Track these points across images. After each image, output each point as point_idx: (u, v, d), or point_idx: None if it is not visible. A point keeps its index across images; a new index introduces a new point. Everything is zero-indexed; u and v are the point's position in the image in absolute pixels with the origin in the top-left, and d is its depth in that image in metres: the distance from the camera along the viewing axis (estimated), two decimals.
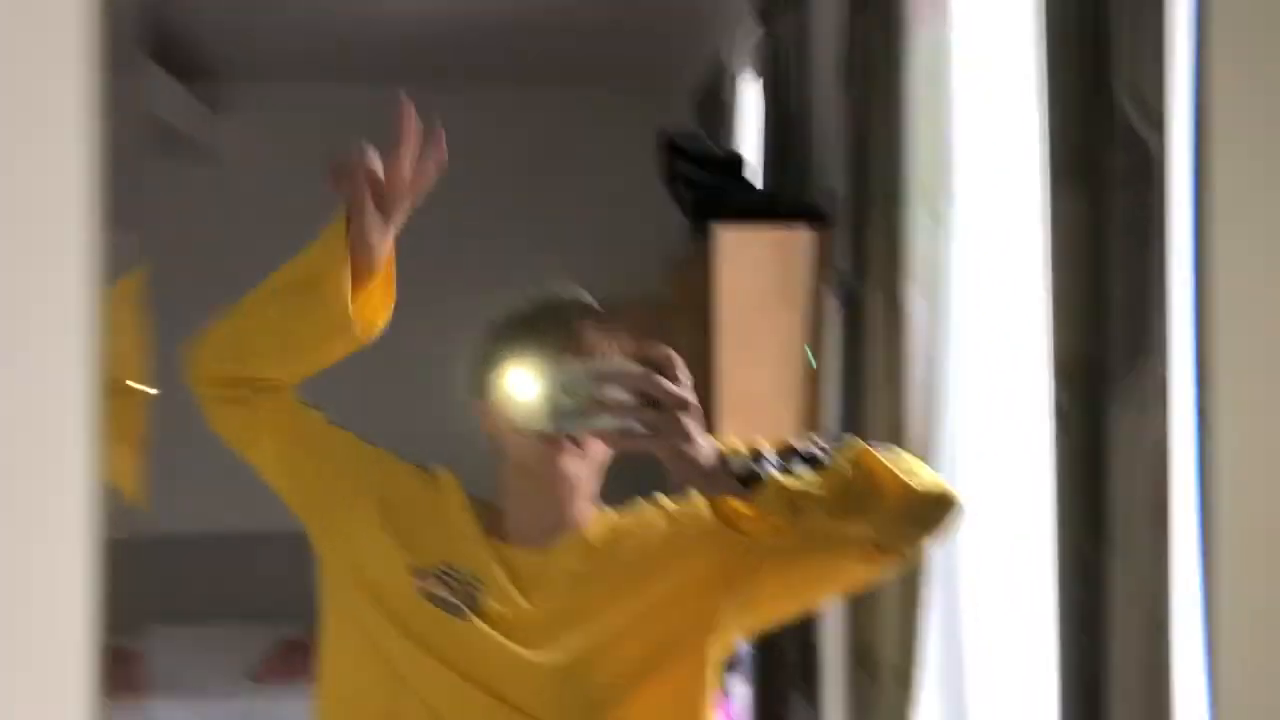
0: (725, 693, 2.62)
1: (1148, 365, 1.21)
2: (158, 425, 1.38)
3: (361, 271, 1.21)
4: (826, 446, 1.20)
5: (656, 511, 1.37)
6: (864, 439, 1.98)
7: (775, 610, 1.36)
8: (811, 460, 1.18)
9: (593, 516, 1.38)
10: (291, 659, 3.77)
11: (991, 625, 1.82)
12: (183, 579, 4.42)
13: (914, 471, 1.20)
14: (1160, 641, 1.19)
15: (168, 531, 4.34)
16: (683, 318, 2.50)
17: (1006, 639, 1.78)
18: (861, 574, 1.29)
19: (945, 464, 1.83)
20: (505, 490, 1.38)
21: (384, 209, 1.20)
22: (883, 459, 1.19)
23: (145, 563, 4.25)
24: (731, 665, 2.56)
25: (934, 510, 1.21)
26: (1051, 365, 1.35)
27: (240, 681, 3.80)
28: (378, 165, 1.18)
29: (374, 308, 1.25)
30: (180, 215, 4.39)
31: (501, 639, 1.28)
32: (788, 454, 1.18)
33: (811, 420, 2.15)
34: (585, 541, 1.35)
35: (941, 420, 1.82)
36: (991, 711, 1.82)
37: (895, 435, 1.86)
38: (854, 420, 2.04)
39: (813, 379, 2.14)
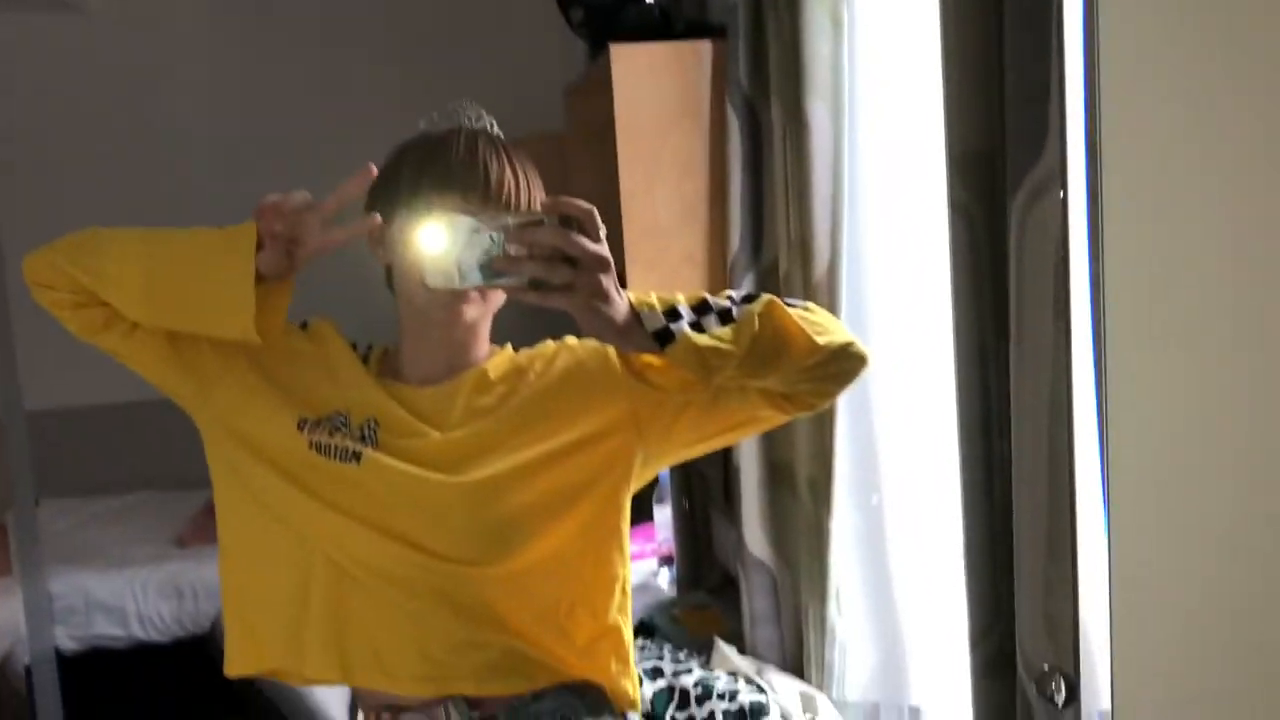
0: (647, 517, 2.67)
1: (1044, 157, 1.20)
2: None
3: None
4: (738, 300, 1.19)
5: (562, 350, 1.35)
6: (770, 256, 1.99)
7: (686, 453, 1.36)
8: (724, 315, 1.17)
9: (491, 352, 1.36)
10: (213, 522, 3.76)
11: (901, 431, 1.85)
12: (101, 452, 4.35)
13: (823, 327, 1.20)
14: (1060, 427, 1.22)
15: (82, 405, 4.25)
16: (584, 145, 2.44)
17: (916, 443, 1.82)
18: (771, 420, 1.30)
19: (850, 275, 1.83)
20: (401, 330, 1.35)
21: (294, 257, 1.22)
22: (793, 314, 1.18)
23: (57, 438, 4.16)
24: (651, 488, 2.59)
25: (841, 365, 1.21)
26: (949, 160, 1.33)
27: (166, 547, 3.79)
28: (305, 221, 1.20)
29: (270, 308, 1.24)
30: (43, 72, 4.13)
31: (405, 466, 1.26)
32: (701, 308, 1.17)
33: (718, 241, 2.13)
34: (485, 376, 1.33)
35: (846, 231, 1.81)
36: (903, 514, 1.88)
37: (803, 250, 1.85)
38: (760, 239, 2.03)
39: (718, 198, 2.11)
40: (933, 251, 1.55)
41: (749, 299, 1.20)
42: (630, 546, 1.36)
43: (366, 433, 1.28)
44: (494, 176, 1.26)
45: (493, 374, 1.33)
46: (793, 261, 1.87)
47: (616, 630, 1.34)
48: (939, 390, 1.63)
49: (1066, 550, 1.23)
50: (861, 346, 1.22)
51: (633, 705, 1.36)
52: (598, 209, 1.12)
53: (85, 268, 1.25)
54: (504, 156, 1.28)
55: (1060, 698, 1.03)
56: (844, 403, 1.84)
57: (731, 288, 1.93)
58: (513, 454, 1.27)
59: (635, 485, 1.37)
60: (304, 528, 1.27)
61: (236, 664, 1.35)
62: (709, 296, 1.19)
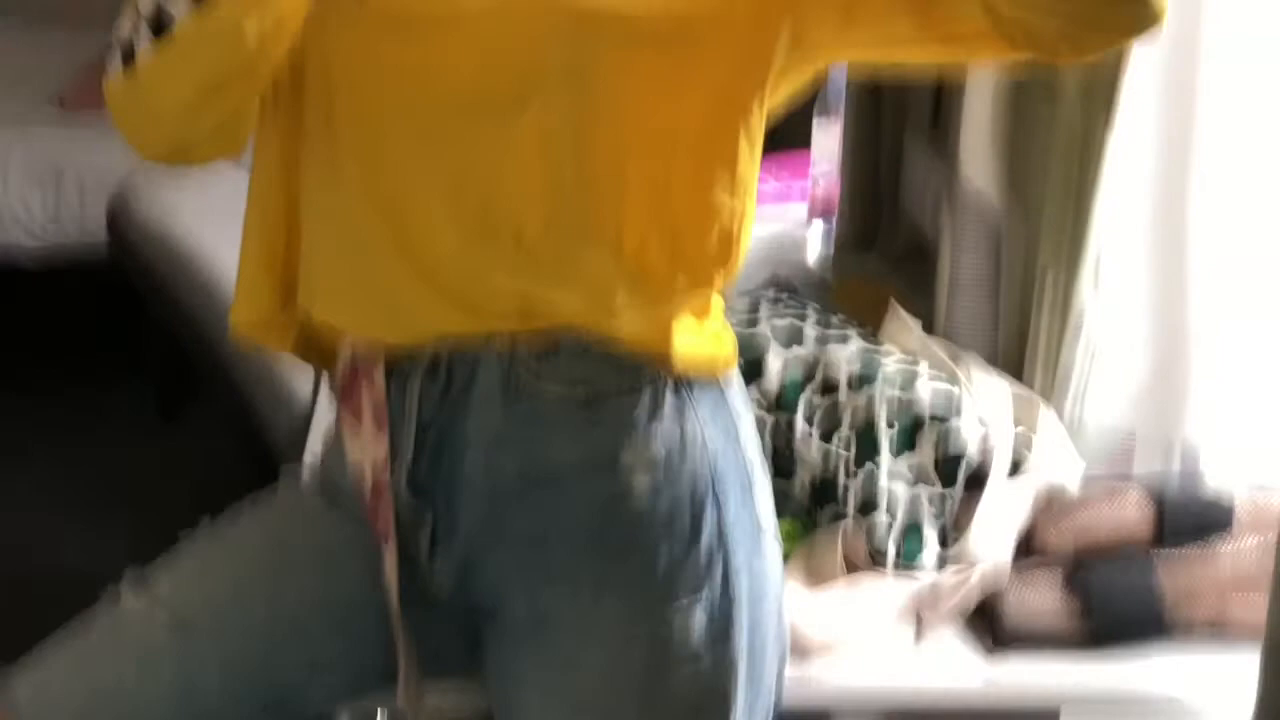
0: (800, 140, 2.10)
1: None
2: None
3: None
4: None
5: None
6: None
7: (859, 54, 1.17)
8: None
9: None
10: (98, 85, 3.21)
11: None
12: None
13: None
14: None
15: None
16: None
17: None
18: (1002, 54, 1.05)
19: None
20: None
21: None
22: None
23: None
24: (813, 96, 2.06)
25: (1118, 10, 0.98)
26: None
27: (41, 106, 3.18)
28: None
29: None
30: None
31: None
32: None
33: None
34: None
35: None
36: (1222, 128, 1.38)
37: None
38: None
39: None
40: None
41: None
42: (761, 179, 1.10)
43: None
44: None
45: None
46: None
47: (704, 297, 1.10)
48: None
49: None
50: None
51: (724, 365, 1.11)
52: None
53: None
54: None
55: None
56: None
57: None
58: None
59: (774, 92, 1.10)
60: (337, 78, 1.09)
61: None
62: None
